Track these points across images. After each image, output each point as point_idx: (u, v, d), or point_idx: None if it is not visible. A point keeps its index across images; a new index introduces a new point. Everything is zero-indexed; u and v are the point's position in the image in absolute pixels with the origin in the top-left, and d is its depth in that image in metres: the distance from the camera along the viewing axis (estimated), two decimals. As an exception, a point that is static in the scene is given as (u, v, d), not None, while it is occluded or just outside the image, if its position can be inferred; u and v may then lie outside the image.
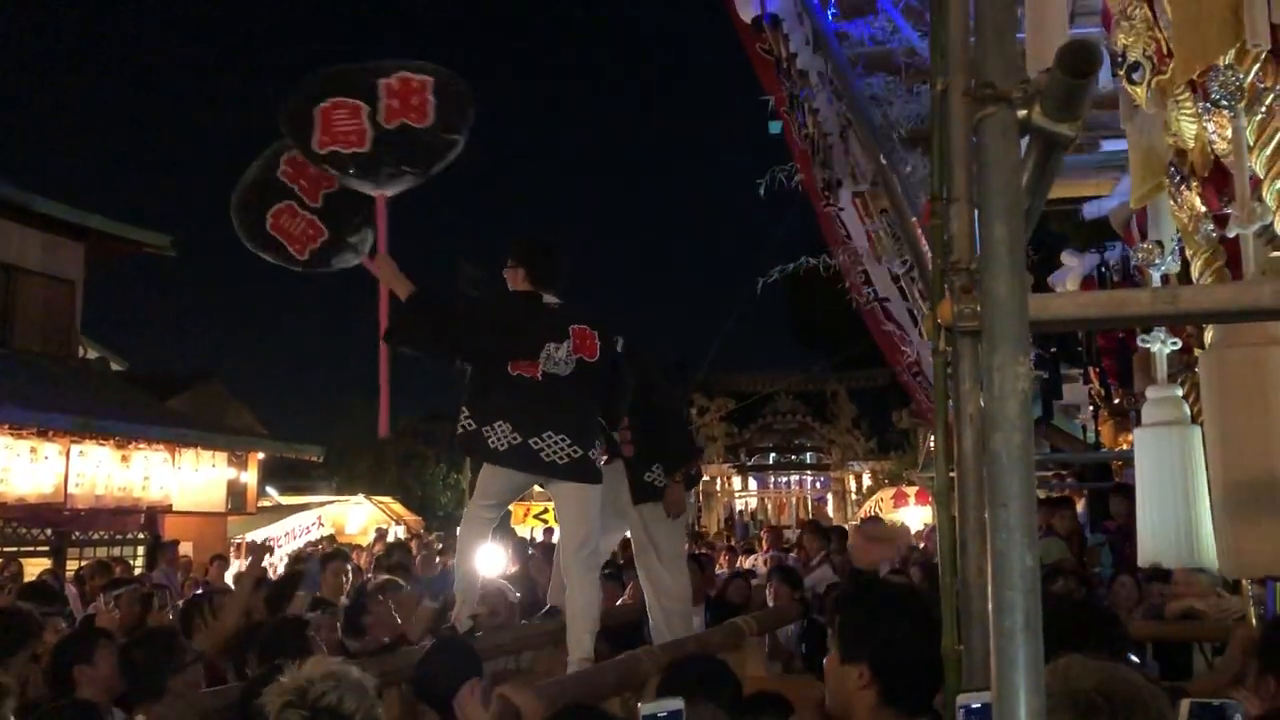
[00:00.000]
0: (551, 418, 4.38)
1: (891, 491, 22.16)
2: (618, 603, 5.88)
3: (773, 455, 26.29)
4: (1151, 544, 6.40)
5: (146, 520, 14.68)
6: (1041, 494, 9.19)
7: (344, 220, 4.82)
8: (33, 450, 12.71)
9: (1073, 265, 11.75)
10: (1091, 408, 13.44)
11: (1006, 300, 1.43)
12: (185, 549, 13.37)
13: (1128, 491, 7.62)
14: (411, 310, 4.50)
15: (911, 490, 21.01)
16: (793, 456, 26.34)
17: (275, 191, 4.81)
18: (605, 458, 4.80)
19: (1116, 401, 11.82)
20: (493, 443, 4.36)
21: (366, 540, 18.51)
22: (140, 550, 14.62)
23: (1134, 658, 2.42)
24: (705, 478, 24.81)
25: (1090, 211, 10.14)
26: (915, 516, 19.78)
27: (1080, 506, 10.06)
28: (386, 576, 5.94)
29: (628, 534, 5.47)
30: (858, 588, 2.63)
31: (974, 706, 1.64)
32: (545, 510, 19.44)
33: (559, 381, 4.43)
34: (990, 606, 1.34)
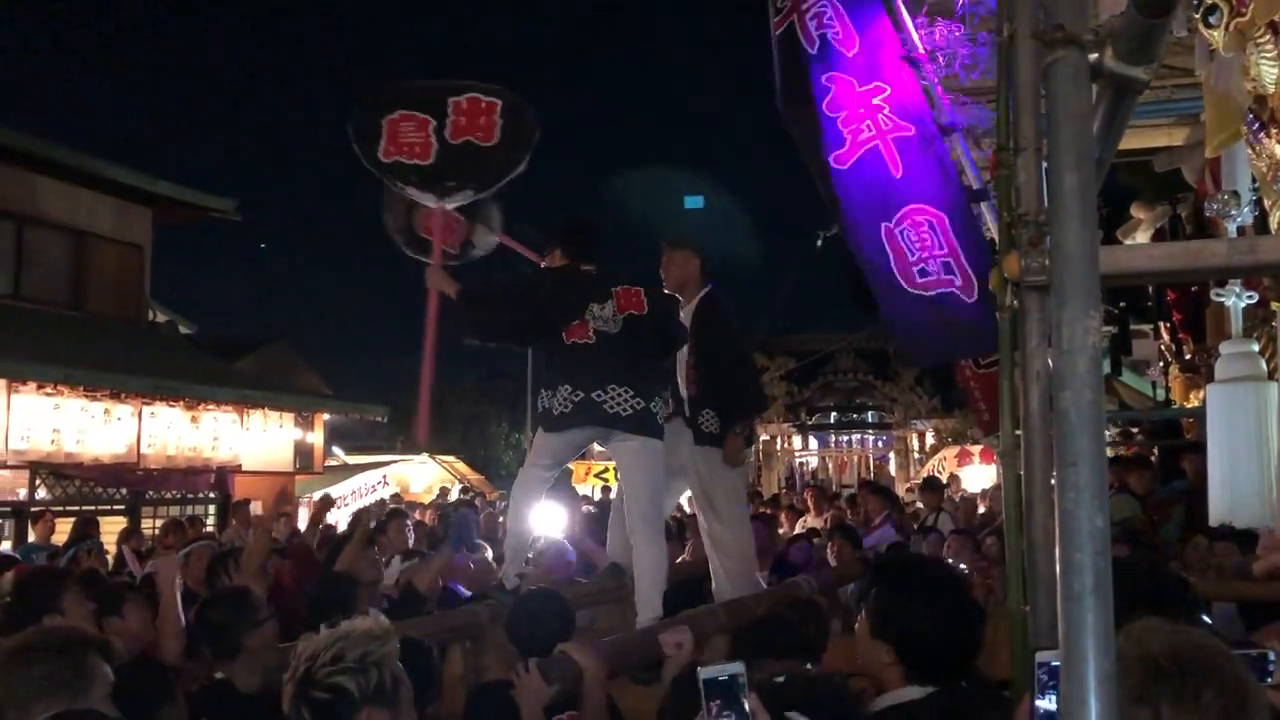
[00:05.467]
0: (612, 372, 4.48)
1: (955, 450, 21.92)
2: (678, 561, 5.90)
3: (834, 414, 26.10)
4: (1224, 502, 6.28)
5: (217, 480, 14.99)
6: (1110, 452, 9.02)
7: (475, 214, 5.03)
8: (106, 412, 13.02)
9: (1143, 218, 11.46)
10: (1161, 363, 13.16)
11: (1077, 253, 1.37)
12: (255, 508, 13.66)
13: (1200, 449, 7.46)
14: (466, 304, 4.66)
15: (976, 449, 20.76)
16: (854, 415, 26.13)
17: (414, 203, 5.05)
18: (669, 414, 4.85)
19: (1188, 357, 11.56)
20: (556, 409, 4.49)
21: (430, 499, 18.81)
22: (212, 509, 14.97)
23: (1207, 619, 2.36)
24: (765, 437, 24.75)
25: (1162, 163, 9.85)
26: (980, 475, 19.57)
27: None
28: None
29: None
30: (888, 566, 2.62)
31: (1054, 664, 1.60)
32: (605, 469, 19.54)
33: (612, 339, 4.52)
34: (1058, 569, 1.30)
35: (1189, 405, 11.01)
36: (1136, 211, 11.76)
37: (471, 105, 4.62)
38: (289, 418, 16.44)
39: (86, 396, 12.72)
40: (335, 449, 21.35)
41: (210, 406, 14.61)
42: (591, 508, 11.27)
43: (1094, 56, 1.50)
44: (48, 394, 12.26)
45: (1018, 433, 2.63)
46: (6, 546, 10.39)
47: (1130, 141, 8.58)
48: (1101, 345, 1.40)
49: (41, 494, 12.64)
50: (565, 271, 4.72)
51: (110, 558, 8.45)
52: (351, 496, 19.59)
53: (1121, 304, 12.73)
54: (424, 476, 23.24)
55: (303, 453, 17.03)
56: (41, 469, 12.60)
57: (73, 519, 10.51)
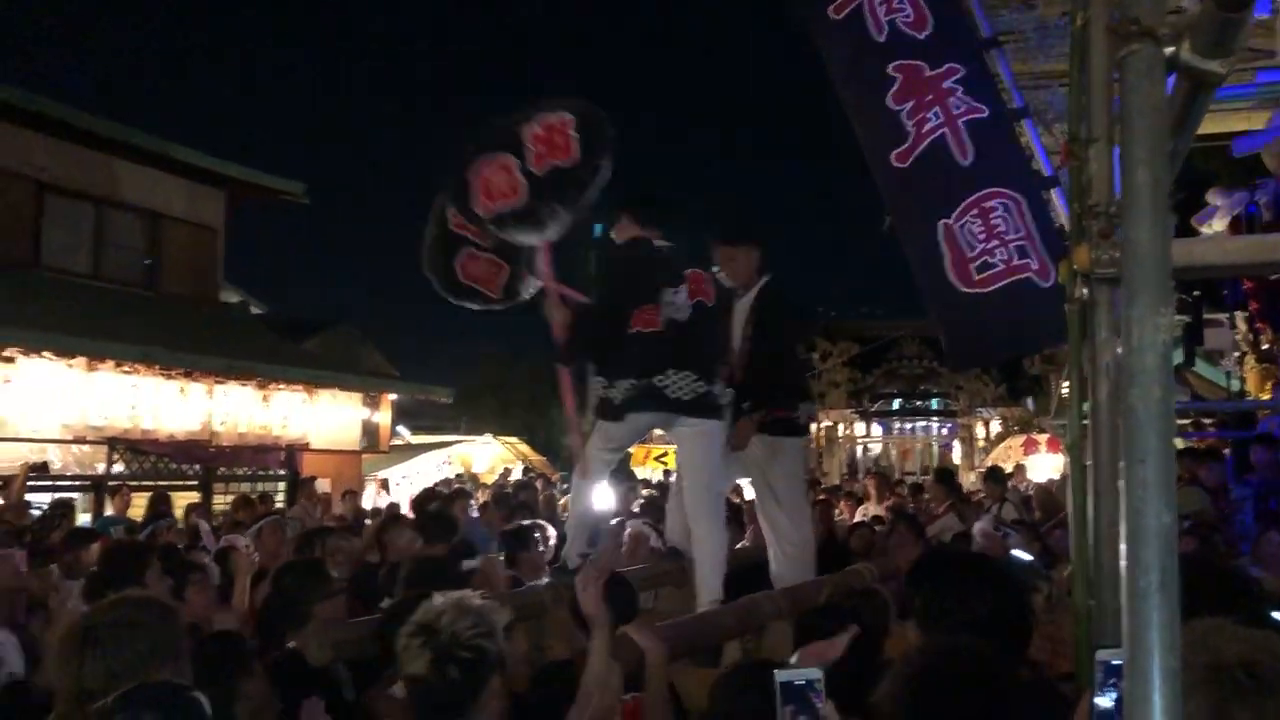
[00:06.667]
0: (675, 357, 4.46)
1: (1021, 439, 21.62)
2: (737, 546, 5.92)
3: (897, 401, 25.82)
4: (1299, 497, 6.13)
5: (286, 457, 15.28)
6: (1181, 444, 8.83)
7: (517, 250, 4.95)
8: (180, 390, 13.34)
9: (1220, 205, 11.18)
10: (1237, 353, 12.84)
11: (1148, 248, 1.36)
12: (323, 485, 13.92)
13: (1270, 441, 7.28)
14: (574, 329, 4.60)
15: (1043, 438, 20.45)
16: (918, 402, 25.84)
17: (454, 242, 5.03)
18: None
19: (1265, 347, 11.26)
20: (618, 399, 4.47)
21: (493, 479, 19.04)
22: (281, 486, 15.27)
23: (1277, 617, 2.32)
24: (827, 423, 24.61)
25: (1241, 147, 9.59)
26: (1046, 465, 19.29)
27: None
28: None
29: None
30: (934, 562, 2.58)
31: (1114, 663, 1.58)
32: (665, 453, 19.58)
33: (679, 326, 4.50)
34: (1123, 564, 1.30)
35: (1264, 397, 10.74)
36: (1212, 198, 11.46)
37: (546, 131, 4.55)
38: (356, 397, 16.69)
39: (162, 375, 13.05)
40: (400, 429, 21.63)
41: (280, 386, 14.89)
42: (653, 491, 11.33)
43: (1170, 49, 1.47)
44: (125, 372, 12.59)
45: (1085, 424, 2.60)
46: (85, 519, 10.70)
47: (1208, 125, 8.37)
48: (1173, 335, 1.38)
49: (119, 468, 12.99)
50: (637, 249, 4.63)
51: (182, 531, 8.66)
52: (416, 475, 19.89)
53: (1195, 292, 12.44)
54: (486, 457, 23.48)
55: (369, 432, 17.28)
56: (119, 444, 12.95)
57: (148, 494, 10.81)
